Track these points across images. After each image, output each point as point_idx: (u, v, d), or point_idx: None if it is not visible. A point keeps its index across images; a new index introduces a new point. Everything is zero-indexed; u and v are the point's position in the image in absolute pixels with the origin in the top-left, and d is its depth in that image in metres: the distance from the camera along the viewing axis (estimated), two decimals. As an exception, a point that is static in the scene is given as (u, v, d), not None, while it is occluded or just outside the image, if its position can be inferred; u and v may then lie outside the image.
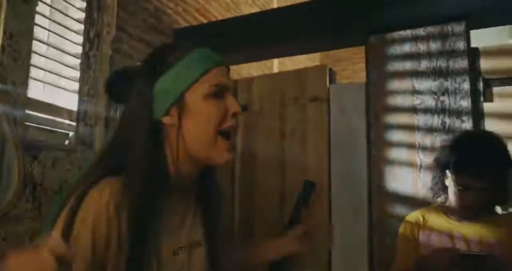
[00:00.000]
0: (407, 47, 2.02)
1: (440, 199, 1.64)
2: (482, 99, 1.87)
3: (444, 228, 1.56)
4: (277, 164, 2.22)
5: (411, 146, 1.93)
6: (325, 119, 2.14)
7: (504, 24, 1.87)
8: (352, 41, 2.21)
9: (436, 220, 1.59)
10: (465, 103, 1.86)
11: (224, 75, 0.85)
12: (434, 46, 1.96)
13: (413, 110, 1.96)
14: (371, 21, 2.08)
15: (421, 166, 1.90)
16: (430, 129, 1.91)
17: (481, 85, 1.88)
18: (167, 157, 0.82)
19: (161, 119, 0.81)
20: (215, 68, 0.83)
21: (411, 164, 1.92)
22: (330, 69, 2.24)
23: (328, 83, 2.19)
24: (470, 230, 1.52)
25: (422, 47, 1.98)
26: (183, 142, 0.80)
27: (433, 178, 1.64)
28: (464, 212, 1.51)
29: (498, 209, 1.63)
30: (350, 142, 2.07)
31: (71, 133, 1.86)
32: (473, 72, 1.90)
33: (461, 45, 1.91)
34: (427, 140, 1.91)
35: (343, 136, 2.09)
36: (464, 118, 1.86)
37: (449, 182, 1.54)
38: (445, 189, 1.58)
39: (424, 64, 1.97)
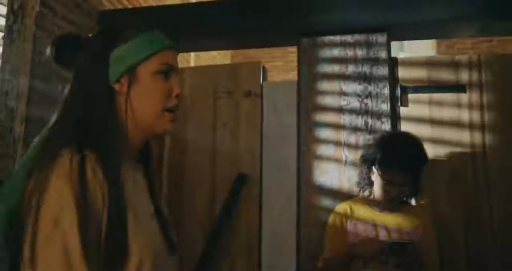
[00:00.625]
0: (336, 52, 2.18)
1: (365, 193, 1.82)
2: (399, 104, 2.11)
3: (369, 218, 1.74)
4: (209, 155, 2.24)
5: (337, 143, 2.10)
6: (258, 115, 2.22)
7: (421, 39, 2.12)
8: (285, 41, 2.31)
9: (362, 211, 1.77)
10: (385, 106, 2.08)
11: (173, 58, 0.93)
12: (360, 53, 2.15)
13: (340, 110, 2.13)
14: (304, 23, 2.20)
15: (346, 162, 2.08)
16: (354, 129, 2.10)
17: (398, 91, 2.12)
18: (119, 117, 0.87)
19: (112, 86, 0.87)
20: (167, 50, 0.91)
21: (337, 160, 2.08)
22: (263, 67, 2.32)
23: (261, 80, 2.26)
24: (390, 220, 1.72)
25: (349, 52, 2.16)
26: (130, 109, 0.87)
27: (360, 173, 1.82)
28: (387, 203, 1.71)
29: (412, 201, 1.86)
30: (281, 137, 2.18)
31: (-11, 116, 1.67)
32: (392, 79, 2.13)
33: (383, 54, 2.12)
34: (352, 138, 2.09)
35: (275, 131, 2.19)
36: (384, 120, 2.08)
37: (375, 177, 1.72)
38: (370, 183, 1.76)
39: (351, 69, 2.15)
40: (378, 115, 2.09)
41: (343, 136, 2.11)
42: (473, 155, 2.03)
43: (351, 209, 1.79)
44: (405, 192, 1.71)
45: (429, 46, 3.64)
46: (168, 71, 0.90)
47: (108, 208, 0.76)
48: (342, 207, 1.81)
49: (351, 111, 2.12)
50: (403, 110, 2.12)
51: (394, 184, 1.66)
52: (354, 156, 2.07)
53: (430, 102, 2.10)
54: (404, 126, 2.10)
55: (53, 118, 0.86)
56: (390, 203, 1.71)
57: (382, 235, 1.70)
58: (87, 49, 0.89)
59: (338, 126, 2.12)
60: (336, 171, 2.08)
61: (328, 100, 2.15)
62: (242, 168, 2.17)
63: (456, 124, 2.07)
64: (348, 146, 2.09)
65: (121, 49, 0.87)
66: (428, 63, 2.14)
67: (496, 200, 1.97)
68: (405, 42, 2.11)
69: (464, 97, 2.08)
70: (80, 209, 0.73)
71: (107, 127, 0.83)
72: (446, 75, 2.11)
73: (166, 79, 0.90)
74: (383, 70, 2.12)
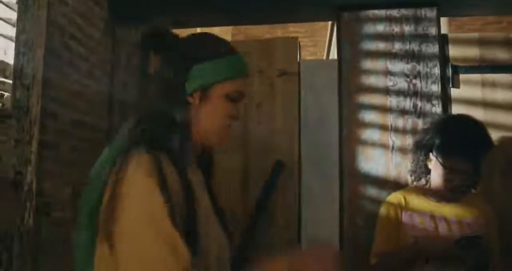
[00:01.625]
0: (381, 27, 1.99)
1: (420, 182, 1.66)
2: (450, 85, 1.95)
3: (426, 209, 1.59)
4: (240, 142, 2.05)
5: (383, 127, 1.94)
6: (295, 96, 2.03)
7: (473, 15, 1.95)
8: (324, 15, 2.11)
9: (417, 201, 1.62)
10: (436, 87, 1.92)
11: (245, 84, 0.99)
12: (408, 28, 1.97)
13: (386, 91, 1.95)
14: (344, -4, 2.01)
15: (393, 148, 1.92)
16: (402, 112, 1.93)
17: (449, 71, 1.95)
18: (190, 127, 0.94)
19: (187, 98, 0.93)
20: (241, 77, 0.97)
21: (383, 145, 1.92)
22: (299, 43, 2.13)
23: (298, 57, 2.06)
24: (449, 211, 1.57)
25: (396, 28, 1.98)
26: (197, 121, 0.93)
27: (415, 161, 1.66)
28: (448, 193, 1.55)
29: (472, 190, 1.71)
30: (321, 120, 2.00)
31: (6, 94, 1.43)
32: (443, 58, 1.96)
33: (433, 30, 1.95)
34: (400, 122, 1.93)
35: (314, 114, 2.01)
36: (434, 102, 1.91)
37: (433, 164, 1.56)
38: (427, 171, 1.60)
39: (397, 46, 1.97)
40: (428, 97, 1.92)
41: (390, 119, 1.94)
42: (529, 140, 1.90)
43: (405, 199, 1.63)
44: (468, 180, 1.55)
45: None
46: (238, 97, 0.97)
47: (184, 201, 0.82)
48: (396, 196, 1.66)
49: (398, 92, 1.95)
50: (454, 92, 1.96)
51: (457, 172, 1.50)
52: (402, 141, 1.91)
53: (483, 84, 1.95)
54: (455, 109, 1.94)
55: (130, 122, 0.91)
56: (451, 193, 1.56)
57: (442, 227, 1.55)
58: (173, 53, 0.95)
59: (384, 109, 1.95)
60: (382, 157, 1.91)
61: (372, 81, 1.97)
62: (278, 153, 1.99)
63: (511, 107, 1.92)
64: (395, 130, 1.93)
65: (200, 67, 0.92)
66: (480, 41, 1.98)
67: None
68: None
69: (519, 78, 1.94)
70: (165, 200, 0.78)
71: (180, 133, 0.89)
72: (500, 54, 1.96)
73: (234, 103, 0.96)
74: (433, 48, 1.94)
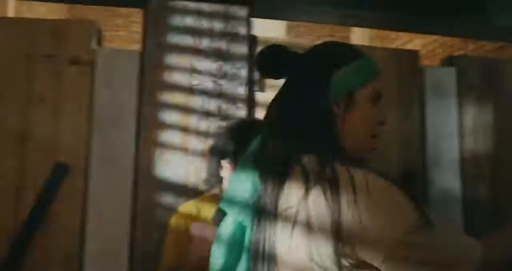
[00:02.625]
0: (190, 21, 1.84)
1: (214, 190, 1.55)
2: (257, 88, 1.89)
3: None
4: (17, 141, 1.69)
5: (185, 129, 1.78)
6: (87, 88, 1.75)
7: (287, 20, 1.92)
8: (131, 1, 1.87)
9: (210, 212, 1.50)
10: (242, 90, 1.84)
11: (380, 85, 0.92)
12: (217, 25, 1.85)
13: (190, 90, 1.80)
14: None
15: (194, 152, 1.78)
16: (206, 113, 1.80)
17: (257, 74, 1.89)
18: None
19: (332, 107, 0.86)
20: (378, 77, 0.91)
21: (183, 149, 1.77)
22: (99, 28, 1.85)
23: (94, 45, 1.79)
24: None
25: (205, 24, 1.84)
26: (343, 131, 0.86)
27: (209, 168, 1.54)
28: None
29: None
30: (116, 118, 1.76)
31: None
32: (251, 60, 1.89)
33: (243, 30, 1.86)
34: (203, 124, 1.79)
35: (109, 110, 1.76)
36: (240, 105, 1.83)
37: (225, 172, 1.46)
38: (220, 179, 1.49)
39: (205, 43, 1.84)
40: (233, 99, 1.83)
41: (193, 121, 1.79)
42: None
43: (197, 209, 1.50)
44: None
45: (281, 30, 3.54)
46: (378, 98, 0.90)
47: None
48: (187, 206, 1.52)
49: (203, 92, 1.81)
50: (260, 96, 1.90)
51: None
52: (204, 145, 1.78)
53: (288, 89, 1.93)
54: (260, 114, 1.89)
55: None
56: None
57: None
58: (302, 67, 0.90)
59: (187, 110, 1.80)
60: (182, 162, 1.76)
61: (176, 78, 1.80)
62: (62, 156, 1.69)
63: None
64: (198, 133, 1.79)
65: (342, 72, 0.87)
66: (292, 46, 1.95)
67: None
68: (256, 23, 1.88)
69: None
70: None
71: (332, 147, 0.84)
72: (305, 61, 1.96)
73: (376, 106, 0.89)
74: (242, 49, 1.86)
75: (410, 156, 2.03)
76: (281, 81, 1.92)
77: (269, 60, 0.94)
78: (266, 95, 1.90)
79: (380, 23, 2.31)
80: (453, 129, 2.05)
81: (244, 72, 1.84)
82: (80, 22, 1.83)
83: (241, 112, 1.83)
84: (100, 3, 2.10)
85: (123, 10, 4.45)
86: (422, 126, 2.06)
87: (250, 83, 1.87)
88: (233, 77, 1.84)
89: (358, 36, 4.83)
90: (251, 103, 1.87)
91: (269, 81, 1.91)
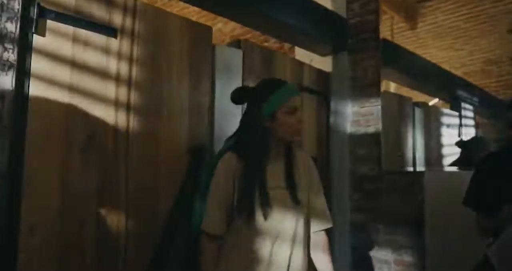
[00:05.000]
0: None
1: None
2: (33, 29, 1.51)
3: None
4: None
5: None
6: None
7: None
8: None
9: None
10: (12, 27, 1.44)
11: (297, 100, 1.58)
12: None
13: None
14: None
15: None
16: (-44, 49, 1.33)
17: (35, 11, 1.51)
18: (270, 138, 1.55)
19: (263, 123, 1.54)
20: (292, 97, 1.57)
21: None
22: None
23: None
24: None
25: None
26: (275, 133, 1.54)
27: None
28: None
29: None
30: None
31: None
32: (28, -9, 1.51)
33: (19, -48, 1.46)
34: (-51, 62, 1.31)
35: None
36: (8, 46, 1.42)
37: None
38: None
39: (-38, -45, 1.35)
40: (0, 36, 1.41)
41: None
42: (116, 112, 1.71)
43: None
44: None
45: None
46: (294, 110, 1.55)
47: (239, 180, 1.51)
48: None
49: (-46, 19, 1.33)
50: (39, 40, 1.53)
51: None
52: (-50, 90, 1.31)
53: (74, 39, 1.62)
54: (35, 62, 1.52)
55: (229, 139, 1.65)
56: None
57: None
58: (252, 97, 1.60)
59: None
60: None
61: None
62: None
63: (101, 72, 1.69)
64: None
65: (269, 102, 1.54)
66: (77, -12, 1.65)
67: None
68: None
69: (114, 43, 1.73)
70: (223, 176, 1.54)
71: (259, 143, 1.54)
72: (97, 10, 1.70)
73: (293, 115, 1.55)
74: (16, -25, 1.45)
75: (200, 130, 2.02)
76: (64, 28, 1.63)
77: (235, 94, 1.65)
78: (45, 40, 1.54)
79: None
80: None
81: (16, 5, 1.45)
82: None
83: (10, 55, 1.42)
84: None
85: None
86: (211, 100, 2.07)
87: (25, 22, 1.48)
88: (1, 8, 1.41)
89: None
90: (24, 46, 1.48)
91: (50, 25, 1.56)
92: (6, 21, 1.43)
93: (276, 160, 1.56)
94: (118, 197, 1.69)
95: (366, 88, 2.86)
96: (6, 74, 1.42)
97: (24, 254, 1.43)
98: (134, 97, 1.78)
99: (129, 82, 1.77)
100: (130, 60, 1.78)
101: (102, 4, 1.71)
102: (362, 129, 2.86)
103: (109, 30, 1.72)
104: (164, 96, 1.89)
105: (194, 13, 4.24)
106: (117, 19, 1.75)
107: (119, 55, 1.75)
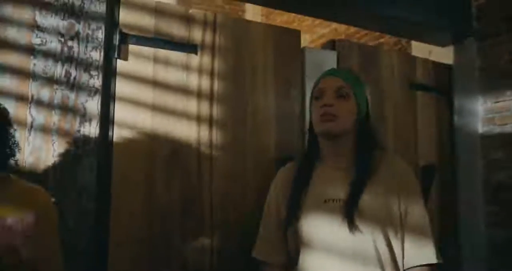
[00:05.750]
0: (34, -33, 1.50)
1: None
2: (116, 55, 1.61)
3: None
4: None
5: (22, 98, 1.44)
6: None
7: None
8: None
9: None
10: (97, 55, 1.55)
11: (327, 82, 1.37)
12: (69, -24, 1.54)
13: (31, 51, 1.47)
14: None
15: (32, 126, 1.45)
16: (49, 80, 1.48)
17: (117, 38, 1.62)
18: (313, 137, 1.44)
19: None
20: (323, 79, 1.39)
21: (19, 122, 1.42)
22: None
23: None
24: None
25: (53, -27, 1.52)
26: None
27: None
28: None
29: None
30: None
31: None
32: (111, 21, 1.61)
33: (101, -15, 1.58)
34: (45, 93, 1.47)
35: None
36: (94, 73, 1.54)
37: None
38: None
39: (53, -5, 1.52)
40: (86, 65, 1.53)
41: (32, 88, 1.46)
42: (198, 127, 1.73)
43: None
44: None
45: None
46: (319, 94, 1.37)
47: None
48: None
49: (48, 54, 1.49)
50: (121, 64, 1.63)
51: None
52: (46, 118, 1.46)
53: (156, 60, 1.69)
54: (120, 85, 1.62)
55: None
56: None
57: None
58: None
59: (25, 74, 1.46)
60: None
61: (13, 34, 1.46)
62: None
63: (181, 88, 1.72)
64: (38, 103, 1.46)
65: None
66: (157, 10, 1.71)
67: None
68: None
69: (194, 59, 1.76)
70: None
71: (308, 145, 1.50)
72: (176, 29, 1.74)
73: (318, 101, 1.36)
74: (100, 7, 1.57)
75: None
76: (146, 51, 1.66)
77: None
78: (128, 64, 1.64)
79: (269, 2, 2.18)
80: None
81: (101, 35, 1.56)
82: None
83: (95, 81, 1.54)
84: None
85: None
86: (302, 108, 1.96)
87: (108, 49, 1.59)
88: (86, 39, 1.54)
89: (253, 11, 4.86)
90: (108, 71, 1.59)
91: (132, 49, 1.65)
92: (91, 51, 1.55)
93: (334, 166, 1.33)
94: (203, 212, 1.70)
95: (499, 79, 2.40)
96: (92, 99, 1.54)
97: (113, 267, 1.52)
98: (216, 111, 1.77)
99: (210, 97, 1.77)
100: (211, 74, 1.78)
101: (182, 22, 1.75)
102: (496, 129, 2.40)
103: (189, 47, 1.75)
104: (249, 108, 1.85)
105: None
106: (197, 35, 1.77)
107: (200, 71, 1.76)
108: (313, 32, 4.16)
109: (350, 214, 1.20)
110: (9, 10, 1.46)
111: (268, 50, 1.92)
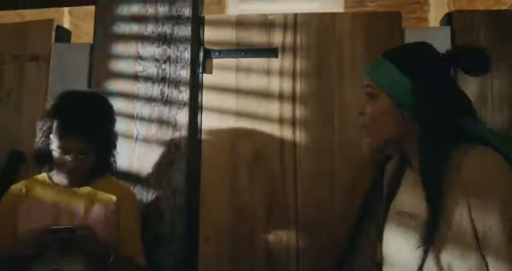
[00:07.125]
0: (135, 9, 1.85)
1: (45, 168, 1.52)
2: (200, 70, 1.81)
3: (49, 197, 1.43)
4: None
5: (129, 116, 1.79)
6: (44, 82, 1.88)
7: None
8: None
9: (41, 190, 1.44)
10: (184, 73, 1.78)
11: (366, 80, 1.07)
12: (162, 9, 1.83)
13: (135, 77, 1.81)
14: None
15: (137, 138, 1.77)
16: (149, 99, 1.79)
17: (201, 55, 1.81)
18: None
19: None
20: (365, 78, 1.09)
21: (128, 136, 1.77)
22: (61, 27, 1.98)
23: (53, 40, 1.91)
24: (76, 197, 1.43)
25: (150, 10, 1.83)
26: None
27: (37, 144, 1.47)
28: (68, 177, 1.43)
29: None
30: (69, 109, 1.84)
31: None
32: (197, 41, 1.82)
33: (186, 11, 1.81)
34: (145, 110, 1.78)
35: (63, 102, 1.85)
36: (182, 88, 1.77)
37: (53, 147, 1.39)
38: (50, 155, 1.42)
39: (150, 28, 1.82)
40: (176, 83, 1.78)
41: (137, 107, 1.79)
42: (281, 129, 1.76)
43: (26, 188, 1.45)
44: (87, 161, 1.41)
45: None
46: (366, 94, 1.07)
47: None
48: (15, 187, 1.46)
49: (147, 78, 1.80)
50: (206, 78, 1.82)
51: (69, 152, 1.37)
52: (147, 131, 1.77)
53: (238, 69, 1.81)
54: (207, 97, 1.81)
55: None
56: (71, 176, 1.42)
57: (65, 216, 1.40)
58: None
59: (131, 96, 1.80)
60: (126, 148, 1.77)
61: (122, 66, 1.83)
62: (23, 146, 1.84)
63: (264, 93, 1.79)
64: (141, 119, 1.79)
65: None
66: (238, 23, 1.83)
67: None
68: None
69: (275, 62, 1.80)
70: None
71: None
72: (256, 37, 1.82)
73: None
74: (186, 31, 1.80)
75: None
76: (228, 62, 1.83)
77: None
78: (212, 77, 1.81)
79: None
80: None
81: (187, 54, 1.78)
82: (41, 22, 1.95)
83: (184, 96, 1.77)
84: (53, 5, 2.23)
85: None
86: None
87: (193, 65, 1.80)
88: (175, 60, 1.79)
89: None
90: (195, 86, 1.80)
91: (216, 63, 1.82)
92: (180, 69, 1.79)
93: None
94: (287, 212, 1.72)
95: None
96: (182, 111, 1.77)
97: (203, 259, 1.70)
98: (299, 112, 1.76)
99: (293, 98, 1.77)
100: (293, 75, 1.79)
101: (262, 28, 1.82)
102: None
103: (269, 51, 1.81)
104: (335, 106, 1.76)
105: None
106: (277, 38, 1.81)
107: (281, 73, 1.79)
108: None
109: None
110: (119, 47, 1.84)
111: (357, 41, 1.79)
